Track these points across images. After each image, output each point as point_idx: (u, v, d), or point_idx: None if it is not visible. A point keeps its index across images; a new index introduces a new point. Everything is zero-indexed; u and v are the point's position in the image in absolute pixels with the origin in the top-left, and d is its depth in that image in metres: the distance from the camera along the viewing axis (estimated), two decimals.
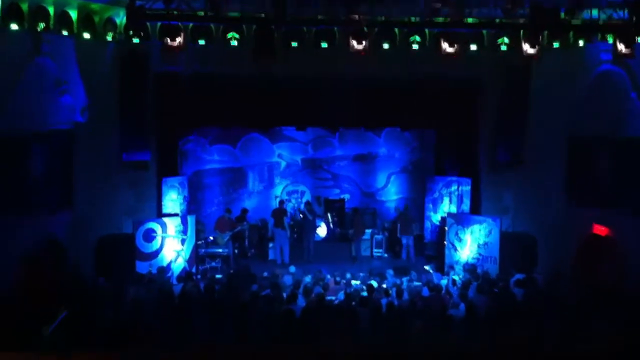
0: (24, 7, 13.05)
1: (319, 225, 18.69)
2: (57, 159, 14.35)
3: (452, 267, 15.85)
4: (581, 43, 15.51)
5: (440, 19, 13.46)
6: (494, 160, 16.85)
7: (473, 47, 14.68)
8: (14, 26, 12.80)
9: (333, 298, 12.90)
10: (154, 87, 15.86)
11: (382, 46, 13.96)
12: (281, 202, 18.66)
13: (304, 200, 19.58)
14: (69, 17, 14.15)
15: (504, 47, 15.03)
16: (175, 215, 16.40)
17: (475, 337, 10.01)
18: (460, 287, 13.30)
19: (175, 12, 12.94)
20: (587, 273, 15.12)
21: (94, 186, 15.50)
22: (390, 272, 15.03)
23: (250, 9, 13.46)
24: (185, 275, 14.96)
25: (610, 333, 9.08)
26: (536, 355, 7.69)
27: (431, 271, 15.01)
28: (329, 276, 14.65)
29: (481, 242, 16.05)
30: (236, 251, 17.98)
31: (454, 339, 9.84)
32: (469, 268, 15.08)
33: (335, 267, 15.96)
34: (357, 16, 12.88)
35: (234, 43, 14.57)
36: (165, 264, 15.31)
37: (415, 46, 14.54)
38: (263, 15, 13.17)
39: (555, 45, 15.44)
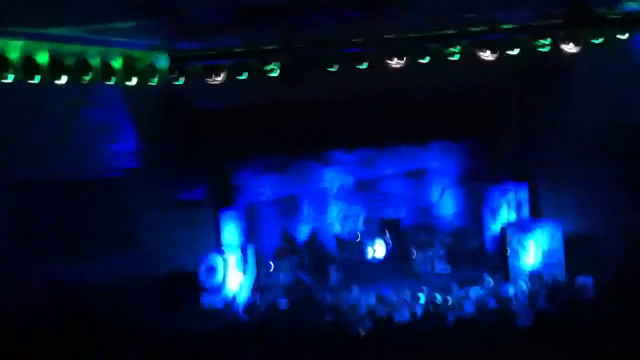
0: (70, 61, 13.56)
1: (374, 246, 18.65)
2: (112, 204, 14.80)
3: (517, 276, 15.58)
4: (625, 36, 15.21)
5: (475, 28, 13.45)
6: (546, 161, 16.58)
7: (510, 52, 14.58)
8: (60, 80, 13.32)
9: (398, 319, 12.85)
10: (200, 123, 16.31)
11: (417, 61, 14.02)
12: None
13: (360, 222, 19.64)
14: (113, 67, 14.63)
15: (544, 49, 14.88)
16: (235, 247, 16.62)
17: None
18: (528, 297, 13.07)
19: (214, 52, 13.79)
20: None
21: (152, 227, 15.92)
22: (455, 285, 14.87)
23: (285, 38, 13.77)
24: (249, 306, 15.11)
25: None
26: None
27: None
28: (393, 295, 14.59)
29: (545, 247, 15.73)
30: (297, 278, 18.07)
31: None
32: (535, 275, 14.79)
33: (397, 285, 15.88)
34: (390, 35, 13.06)
35: (274, 74, 14.85)
36: (230, 296, 15.49)
37: (452, 57, 14.53)
38: (298, 45, 13.64)
39: (596, 41, 15.19)
